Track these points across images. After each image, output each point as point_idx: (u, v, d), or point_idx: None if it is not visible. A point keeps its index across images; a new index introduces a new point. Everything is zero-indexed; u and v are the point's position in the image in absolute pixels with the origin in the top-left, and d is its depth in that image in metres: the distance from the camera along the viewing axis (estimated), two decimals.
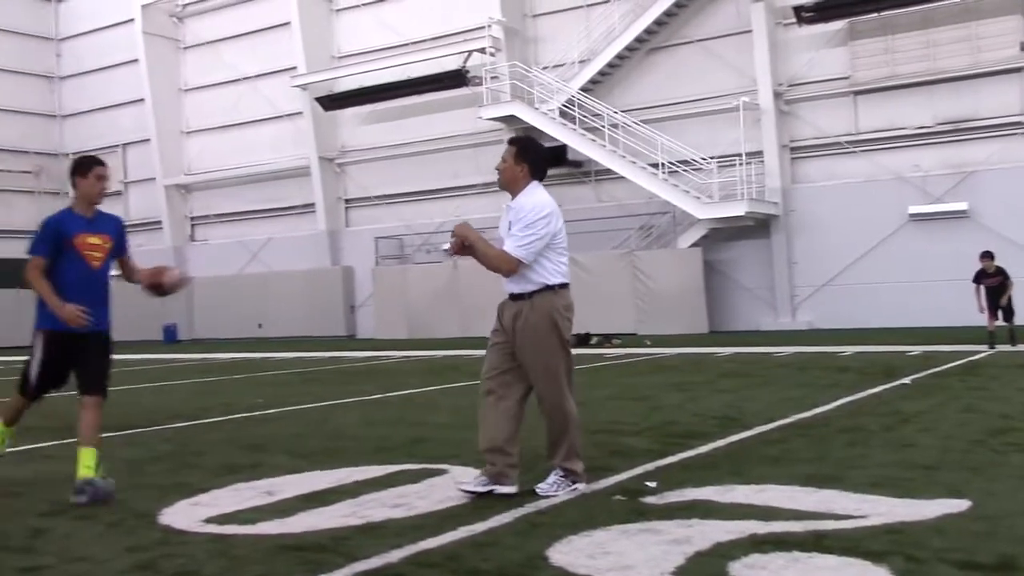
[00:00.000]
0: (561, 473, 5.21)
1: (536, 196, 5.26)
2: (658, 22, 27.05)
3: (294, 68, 33.62)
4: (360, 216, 34.22)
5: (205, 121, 37.49)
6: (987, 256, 16.30)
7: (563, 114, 27.39)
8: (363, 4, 33.42)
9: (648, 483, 5.34)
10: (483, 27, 29.05)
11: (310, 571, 3.88)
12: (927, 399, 9.09)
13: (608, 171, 27.11)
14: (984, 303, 16.23)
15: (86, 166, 5.88)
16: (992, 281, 16.10)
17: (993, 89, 23.64)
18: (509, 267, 5.19)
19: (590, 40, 28.21)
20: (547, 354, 5.20)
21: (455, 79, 29.93)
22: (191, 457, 7.01)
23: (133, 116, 38.35)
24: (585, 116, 26.96)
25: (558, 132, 27.08)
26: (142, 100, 37.57)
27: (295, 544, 4.31)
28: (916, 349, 16.02)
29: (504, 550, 4.09)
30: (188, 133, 38.20)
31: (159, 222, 38.17)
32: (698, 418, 8.27)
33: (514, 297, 5.29)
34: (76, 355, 5.71)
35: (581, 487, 5.22)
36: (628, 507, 4.82)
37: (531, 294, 5.22)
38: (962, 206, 23.57)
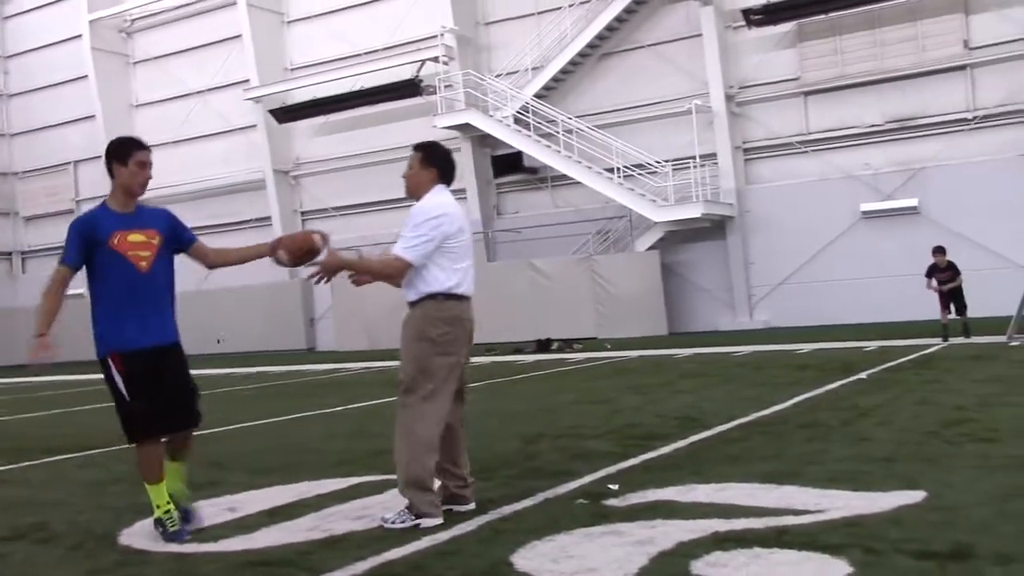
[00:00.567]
0: (407, 503, 4.81)
1: (435, 199, 5.04)
2: (609, 28, 27.17)
3: (246, 81, 33.32)
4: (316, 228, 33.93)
5: (157, 136, 36.90)
6: (939, 251, 16.53)
7: (518, 121, 27.40)
8: (315, 15, 33.22)
9: (610, 486, 5.36)
10: (436, 36, 29.00)
11: None
12: (883, 393, 9.21)
13: (564, 177, 27.15)
14: (937, 293, 16.27)
15: (124, 151, 4.84)
16: (944, 275, 16.35)
17: (939, 87, 24.04)
18: (396, 271, 4.99)
19: (542, 47, 28.28)
20: (413, 370, 4.96)
21: (409, 89, 29.85)
22: None
23: (84, 133, 37.71)
24: (540, 122, 27.01)
25: (513, 139, 27.13)
26: (92, 117, 37.03)
27: (259, 560, 4.29)
28: (872, 344, 16.24)
29: (468, 558, 4.10)
30: None
31: None
32: (659, 419, 8.32)
33: (409, 305, 5.11)
34: (155, 377, 4.89)
35: (428, 522, 4.67)
36: (591, 510, 4.84)
37: (414, 303, 5.04)
38: (912, 202, 23.92)
